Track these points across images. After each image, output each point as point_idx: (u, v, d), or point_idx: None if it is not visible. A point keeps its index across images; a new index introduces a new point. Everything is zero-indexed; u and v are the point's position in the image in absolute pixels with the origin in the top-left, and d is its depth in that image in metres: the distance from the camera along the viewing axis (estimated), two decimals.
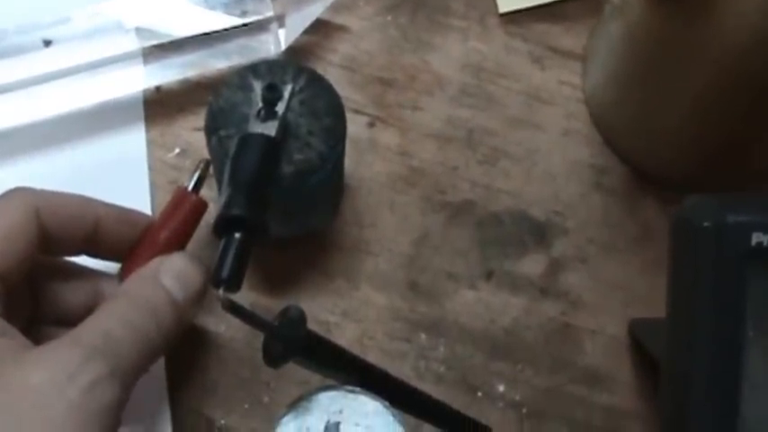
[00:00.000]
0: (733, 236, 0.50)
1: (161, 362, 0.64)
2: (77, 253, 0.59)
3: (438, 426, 0.63)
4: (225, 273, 0.54)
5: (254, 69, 0.62)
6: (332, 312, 0.66)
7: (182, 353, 0.65)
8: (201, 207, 0.60)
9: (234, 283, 0.55)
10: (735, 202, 0.51)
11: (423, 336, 0.67)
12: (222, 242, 0.55)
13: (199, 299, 0.57)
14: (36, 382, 0.49)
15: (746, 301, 0.50)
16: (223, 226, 0.55)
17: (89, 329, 0.52)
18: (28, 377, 0.49)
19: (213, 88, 0.62)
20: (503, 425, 0.65)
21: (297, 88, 0.61)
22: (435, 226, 0.69)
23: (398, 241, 0.68)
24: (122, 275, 0.59)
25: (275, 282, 0.67)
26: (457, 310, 0.67)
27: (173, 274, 0.56)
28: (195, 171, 0.60)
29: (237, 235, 0.55)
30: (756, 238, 0.50)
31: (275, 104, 0.58)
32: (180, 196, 0.60)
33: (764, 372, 0.51)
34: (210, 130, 0.60)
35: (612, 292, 0.68)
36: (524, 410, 0.66)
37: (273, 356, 0.56)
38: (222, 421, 0.65)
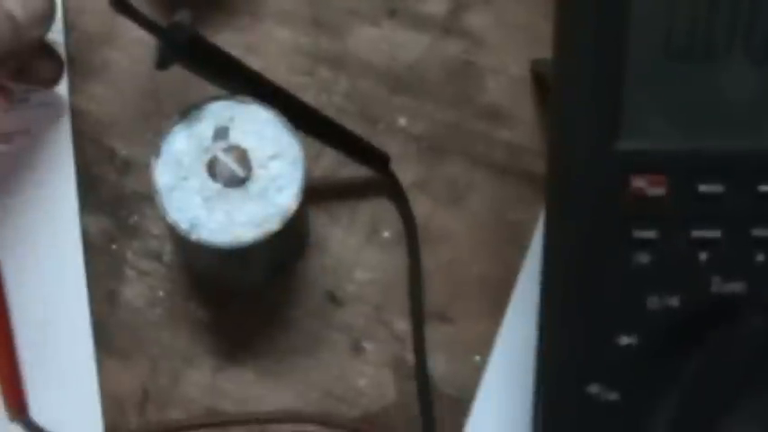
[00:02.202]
0: None
1: (65, 96, 0.65)
2: None
3: (335, 147, 0.63)
4: None
5: None
6: (235, 47, 0.66)
7: (84, 87, 0.66)
8: None
9: None
10: None
11: (324, 70, 0.67)
12: None
13: (42, 19, 0.58)
14: None
15: None
16: None
17: None
18: None
19: None
20: (402, 157, 0.66)
21: None
22: None
23: None
24: None
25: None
26: (359, 46, 0.67)
27: None
28: None
29: None
30: None
31: None
32: None
33: (650, 63, 0.50)
34: None
35: (516, 32, 0.68)
36: (425, 144, 0.66)
37: (163, 60, 0.57)
38: (124, 152, 0.65)
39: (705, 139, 0.52)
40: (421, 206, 0.65)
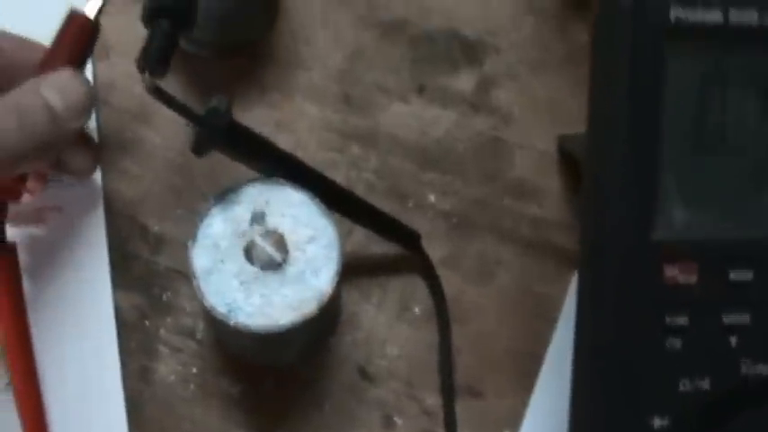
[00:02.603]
0: (652, 11, 0.50)
1: (97, 174, 0.65)
2: None
3: (368, 227, 0.64)
4: (151, 57, 0.55)
5: None
6: (266, 124, 0.67)
7: (117, 164, 0.66)
8: (90, 29, 0.60)
9: (159, 68, 0.56)
10: None
11: (355, 147, 0.68)
12: (149, 30, 0.56)
13: (81, 112, 0.58)
14: None
15: (665, 80, 0.51)
16: (150, 13, 0.56)
17: None
18: None
19: None
20: (433, 234, 0.67)
21: None
22: (368, 42, 0.70)
23: (332, 56, 0.69)
24: None
25: (210, 95, 0.67)
26: (389, 122, 0.68)
27: (53, 84, 0.57)
28: None
29: (164, 22, 0.56)
30: (675, 12, 0.50)
31: None
32: (69, 19, 0.60)
33: (682, 155, 0.52)
34: None
35: (542, 109, 0.69)
36: (454, 220, 0.67)
37: (199, 145, 0.57)
38: (157, 228, 0.66)
39: (735, 228, 0.53)
40: (450, 282, 0.66)
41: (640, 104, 0.51)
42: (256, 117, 0.67)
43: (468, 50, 0.70)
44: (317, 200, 0.58)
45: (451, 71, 0.69)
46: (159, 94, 0.55)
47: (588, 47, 0.66)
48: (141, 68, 0.55)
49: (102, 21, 0.60)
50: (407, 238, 0.65)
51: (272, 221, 0.58)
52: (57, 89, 0.57)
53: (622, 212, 0.52)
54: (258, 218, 0.58)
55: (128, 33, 0.66)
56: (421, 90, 0.69)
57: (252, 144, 0.59)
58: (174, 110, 0.56)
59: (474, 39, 0.70)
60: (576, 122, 0.67)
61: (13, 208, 0.61)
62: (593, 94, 0.54)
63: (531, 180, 0.68)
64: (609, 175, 0.52)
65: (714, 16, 0.51)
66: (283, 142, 0.65)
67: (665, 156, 0.52)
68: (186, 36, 0.59)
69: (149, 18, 0.56)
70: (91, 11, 0.60)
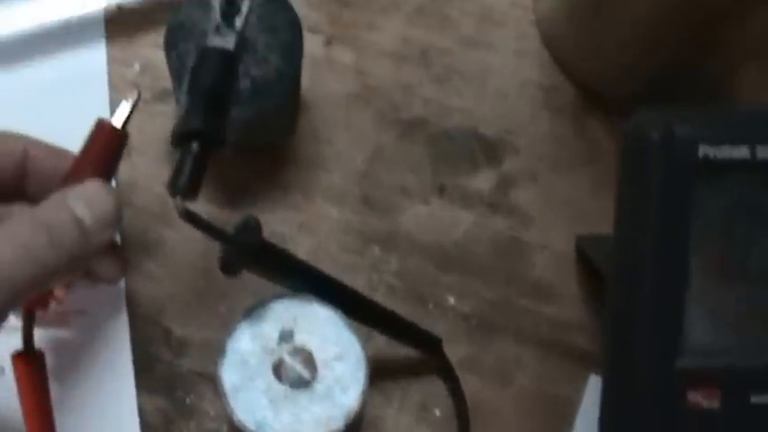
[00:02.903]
0: (681, 148, 0.51)
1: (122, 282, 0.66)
2: (10, 189, 0.60)
3: (390, 335, 0.65)
4: (181, 181, 0.56)
5: None
6: (288, 225, 0.68)
7: (139, 265, 0.66)
8: (118, 138, 0.60)
9: (190, 192, 0.56)
10: (683, 114, 0.53)
11: (376, 248, 0.68)
12: (179, 152, 0.57)
13: (110, 224, 0.58)
14: None
15: (693, 214, 0.52)
16: (180, 137, 0.57)
17: None
18: None
19: (173, 5, 0.63)
20: (453, 336, 0.67)
21: (255, 4, 0.62)
22: (389, 142, 0.70)
23: (353, 157, 0.70)
24: None
25: (233, 195, 0.68)
26: (409, 223, 0.69)
27: (81, 197, 0.56)
28: (121, 103, 0.60)
29: (194, 145, 0.56)
30: (703, 150, 0.51)
31: (233, 18, 0.60)
32: (97, 128, 0.60)
33: (707, 284, 0.53)
34: (170, 44, 0.62)
35: (560, 208, 0.70)
36: (474, 322, 0.68)
37: (229, 265, 0.58)
38: (179, 331, 0.66)
39: (757, 355, 0.54)
40: (470, 383, 0.67)
41: (669, 236, 0.52)
42: (278, 219, 0.68)
43: (487, 149, 0.71)
44: (343, 315, 0.59)
45: (471, 170, 0.70)
46: (191, 218, 0.56)
47: (604, 144, 0.68)
48: (173, 193, 0.56)
49: None
50: (428, 343, 0.66)
51: (300, 338, 0.59)
52: (85, 202, 0.57)
53: (649, 343, 0.53)
54: (286, 336, 0.58)
55: (149, 133, 0.67)
56: (441, 190, 0.69)
57: (281, 263, 0.59)
58: (206, 233, 0.57)
59: (493, 137, 0.71)
60: (594, 221, 0.69)
61: (37, 313, 0.61)
62: (619, 221, 0.55)
63: (549, 280, 0.69)
64: (636, 306, 0.53)
65: (741, 152, 0.51)
66: (305, 244, 0.66)
67: (691, 286, 0.52)
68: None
69: (179, 142, 0.56)
70: (118, 120, 0.60)
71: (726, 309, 0.54)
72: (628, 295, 0.54)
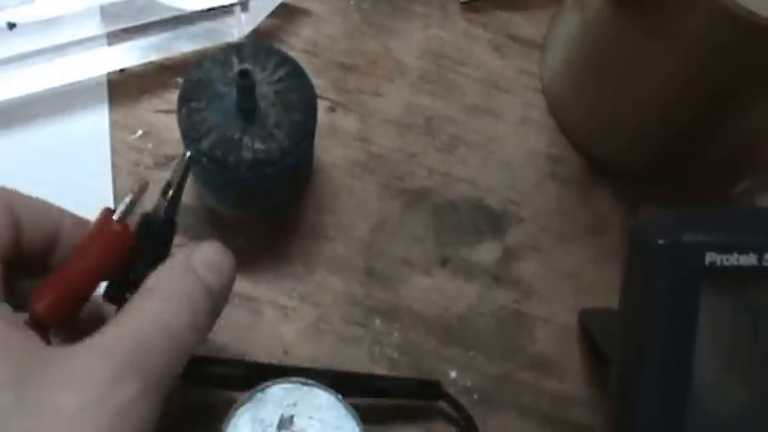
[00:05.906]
0: (687, 254, 0.50)
1: None
2: (39, 260, 0.56)
3: (391, 397, 0.65)
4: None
5: (238, 49, 0.62)
6: (289, 296, 0.68)
7: None
8: (123, 238, 0.54)
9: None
10: (690, 219, 0.52)
11: (378, 321, 0.68)
12: None
13: (231, 288, 0.54)
14: (68, 406, 0.45)
15: (698, 317, 0.51)
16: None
17: (119, 337, 0.48)
18: (60, 400, 0.45)
19: (184, 67, 0.65)
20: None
21: (275, 78, 0.61)
22: (393, 212, 0.70)
23: (356, 227, 0.69)
24: (32, 298, 0.52)
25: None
26: (412, 296, 0.69)
27: (204, 260, 0.52)
28: (127, 196, 0.55)
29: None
30: (710, 257, 0.51)
31: (251, 91, 0.59)
32: (102, 222, 0.54)
33: (712, 387, 0.53)
34: (183, 100, 0.61)
35: (564, 280, 0.70)
36: (475, 396, 0.67)
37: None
38: None
39: None
40: None
41: (673, 337, 0.52)
42: (281, 290, 0.67)
43: (491, 220, 0.70)
44: (343, 400, 0.58)
45: (475, 242, 0.70)
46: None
47: (609, 216, 0.68)
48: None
49: None
50: (430, 391, 0.66)
51: (300, 423, 0.58)
52: (206, 265, 0.52)
53: None
54: (286, 422, 0.58)
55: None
56: (444, 263, 0.69)
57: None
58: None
59: (497, 208, 0.70)
60: (596, 294, 0.68)
61: None
62: (623, 322, 0.55)
63: (551, 354, 0.68)
64: (639, 406, 0.53)
65: (749, 260, 0.51)
66: (306, 316, 0.66)
67: (695, 387, 0.52)
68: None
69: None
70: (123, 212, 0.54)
71: (728, 409, 0.53)
72: (632, 395, 0.54)
